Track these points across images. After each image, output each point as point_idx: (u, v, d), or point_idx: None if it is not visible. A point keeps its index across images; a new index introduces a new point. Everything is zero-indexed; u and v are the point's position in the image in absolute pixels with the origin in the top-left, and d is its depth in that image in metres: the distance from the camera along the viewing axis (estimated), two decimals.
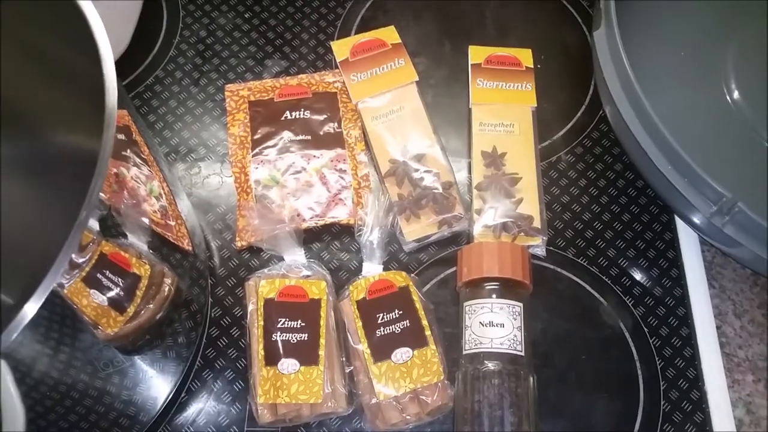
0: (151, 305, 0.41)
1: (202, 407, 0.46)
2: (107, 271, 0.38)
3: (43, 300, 0.29)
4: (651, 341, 0.49)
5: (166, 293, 0.42)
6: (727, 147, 0.54)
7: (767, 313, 0.51)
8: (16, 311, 0.28)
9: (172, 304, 0.43)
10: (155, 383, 0.44)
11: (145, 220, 0.40)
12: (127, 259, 0.39)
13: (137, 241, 0.40)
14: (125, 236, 0.39)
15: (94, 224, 0.35)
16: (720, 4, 0.58)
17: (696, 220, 0.47)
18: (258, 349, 0.43)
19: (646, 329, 0.49)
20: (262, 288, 0.45)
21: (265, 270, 0.47)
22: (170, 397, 0.44)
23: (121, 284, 0.39)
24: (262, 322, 0.44)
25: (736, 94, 0.56)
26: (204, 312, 0.48)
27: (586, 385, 0.47)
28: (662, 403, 0.47)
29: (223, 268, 0.50)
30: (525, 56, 0.58)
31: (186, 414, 0.45)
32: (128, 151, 0.38)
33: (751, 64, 0.57)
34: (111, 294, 0.38)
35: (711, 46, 0.57)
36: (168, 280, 0.42)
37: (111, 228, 0.37)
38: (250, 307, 0.45)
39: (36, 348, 0.33)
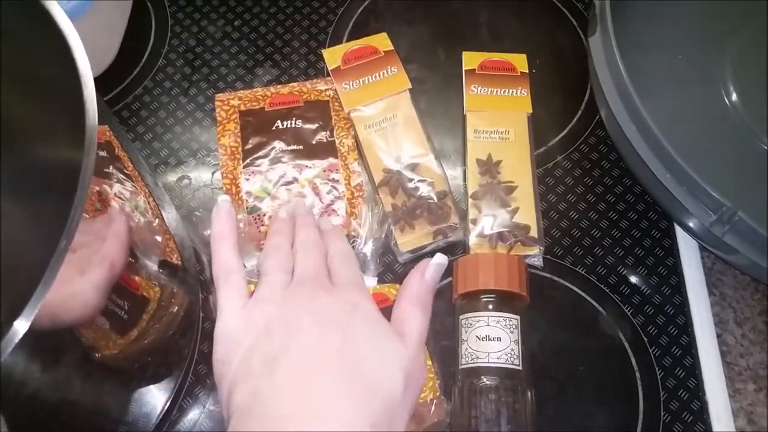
0: (157, 327, 0.40)
1: (193, 426, 0.45)
2: (113, 294, 0.36)
3: (32, 319, 0.28)
4: (651, 351, 0.48)
5: (174, 314, 0.41)
6: (725, 151, 0.54)
7: None
8: (6, 329, 0.27)
9: (178, 325, 0.42)
10: (147, 401, 0.43)
11: (158, 238, 0.39)
12: (136, 282, 0.38)
13: (148, 262, 0.38)
14: (134, 257, 0.38)
15: None
16: (717, 7, 0.58)
17: (695, 227, 0.46)
18: None
19: (645, 339, 0.48)
20: None
21: None
22: (162, 415, 0.43)
23: (126, 308, 0.37)
24: None
25: (734, 97, 0.56)
26: (195, 327, 0.47)
27: (585, 397, 0.46)
28: (662, 414, 0.46)
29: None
30: (520, 61, 0.57)
31: None
32: (111, 167, 0.37)
33: (750, 65, 0.56)
34: (114, 317, 0.36)
35: (709, 49, 0.57)
36: (176, 301, 0.41)
37: None
38: None
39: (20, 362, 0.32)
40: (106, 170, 0.37)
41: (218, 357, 0.36)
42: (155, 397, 0.43)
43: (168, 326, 0.42)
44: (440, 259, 0.39)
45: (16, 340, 0.27)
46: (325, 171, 0.51)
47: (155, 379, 0.43)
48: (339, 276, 0.39)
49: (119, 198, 0.38)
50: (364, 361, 0.34)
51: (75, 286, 0.31)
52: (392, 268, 0.50)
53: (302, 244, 0.41)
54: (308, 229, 0.42)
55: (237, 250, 0.40)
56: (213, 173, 0.53)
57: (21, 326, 0.28)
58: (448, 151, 0.54)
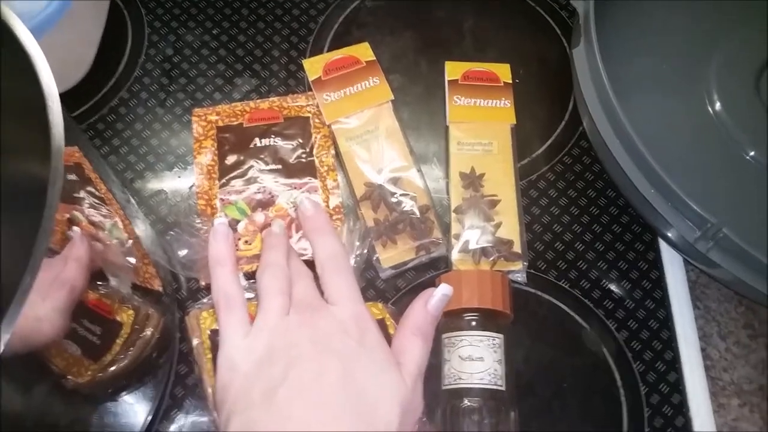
0: (131, 351, 0.39)
1: None
2: (85, 320, 0.35)
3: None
4: (635, 366, 0.47)
5: (148, 337, 0.40)
6: (709, 162, 0.53)
7: (752, 334, 0.50)
8: None
9: (153, 347, 0.41)
10: (122, 425, 0.42)
11: (132, 260, 0.38)
12: (108, 306, 0.37)
13: (121, 285, 0.38)
14: (105, 280, 0.37)
15: None
16: (702, 16, 0.57)
17: (678, 242, 0.46)
18: (212, 383, 0.41)
19: (629, 354, 0.48)
20: (203, 321, 0.43)
21: (204, 300, 0.45)
22: None
23: (99, 333, 0.36)
24: (210, 355, 0.42)
25: (717, 106, 0.55)
26: (172, 348, 0.46)
27: (569, 415, 0.46)
28: (647, 430, 0.45)
29: (191, 300, 0.48)
30: (503, 71, 0.56)
31: None
32: (81, 191, 0.35)
33: (734, 74, 0.56)
34: (86, 343, 0.35)
35: (694, 58, 0.56)
36: (151, 323, 0.40)
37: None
38: (195, 342, 0.43)
39: None
40: (75, 195, 0.36)
41: (220, 384, 0.36)
42: (131, 423, 0.42)
43: (142, 349, 0.41)
44: (445, 290, 0.38)
45: None
46: (303, 193, 0.49)
47: (131, 404, 0.42)
48: (333, 290, 0.38)
49: (92, 224, 0.37)
50: (362, 393, 0.33)
51: (39, 310, 0.31)
52: (374, 284, 0.49)
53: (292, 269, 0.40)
54: (276, 252, 0.41)
55: (236, 275, 0.40)
56: (190, 187, 0.52)
57: None
58: (431, 164, 0.54)
